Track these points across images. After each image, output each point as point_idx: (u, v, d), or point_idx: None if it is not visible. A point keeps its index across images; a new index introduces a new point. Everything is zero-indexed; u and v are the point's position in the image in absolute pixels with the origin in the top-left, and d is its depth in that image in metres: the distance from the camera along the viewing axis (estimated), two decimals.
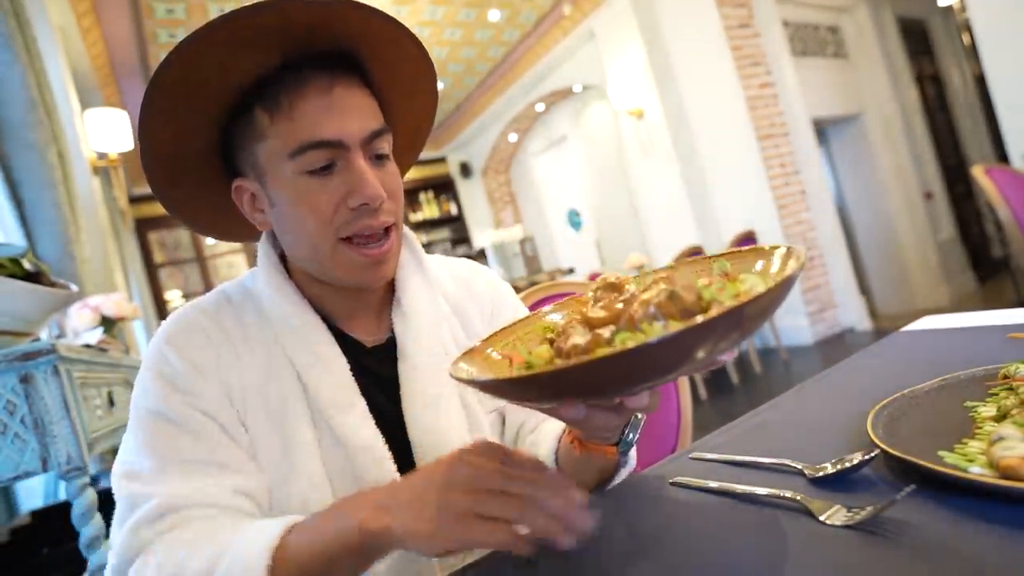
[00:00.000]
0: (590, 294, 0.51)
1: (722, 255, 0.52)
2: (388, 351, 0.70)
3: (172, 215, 0.68)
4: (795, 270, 0.39)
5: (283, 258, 0.71)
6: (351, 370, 0.65)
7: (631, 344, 0.34)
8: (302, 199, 0.60)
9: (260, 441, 0.61)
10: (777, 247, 0.47)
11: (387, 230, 0.63)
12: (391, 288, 0.73)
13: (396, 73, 0.67)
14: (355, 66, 0.64)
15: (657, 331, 0.38)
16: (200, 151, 0.64)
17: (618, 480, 0.65)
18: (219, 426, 0.59)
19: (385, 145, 0.64)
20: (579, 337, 0.42)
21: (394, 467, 0.62)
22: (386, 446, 0.63)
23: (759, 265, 0.47)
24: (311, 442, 0.62)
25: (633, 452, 0.65)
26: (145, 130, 0.58)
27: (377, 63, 0.65)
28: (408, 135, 0.76)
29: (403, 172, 0.77)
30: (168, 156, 0.62)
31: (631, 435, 0.59)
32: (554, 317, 0.58)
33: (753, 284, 0.42)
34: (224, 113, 0.62)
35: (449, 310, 0.76)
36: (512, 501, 0.41)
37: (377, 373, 0.68)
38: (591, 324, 0.45)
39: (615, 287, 0.50)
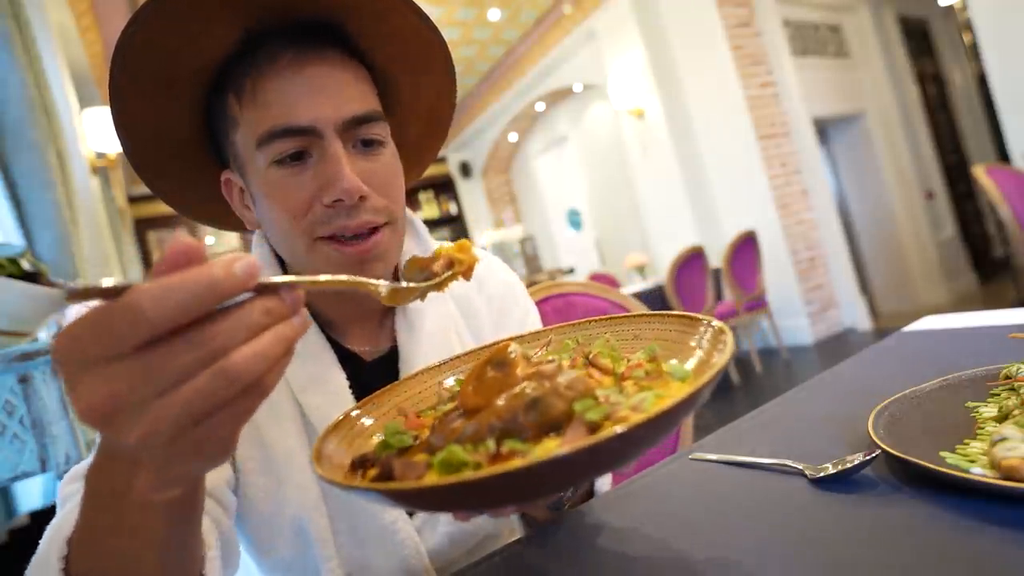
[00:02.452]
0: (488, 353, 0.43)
1: (657, 315, 0.47)
2: (390, 363, 0.64)
3: (167, 204, 0.63)
4: (693, 390, 0.29)
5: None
6: (350, 387, 0.60)
7: (422, 483, 0.29)
8: (272, 193, 0.53)
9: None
10: (710, 322, 0.40)
11: (373, 230, 0.55)
12: None
13: (399, 48, 0.58)
14: (342, 39, 0.56)
15: (483, 454, 0.33)
16: (185, 138, 0.58)
17: (596, 494, 0.62)
18: None
19: (378, 131, 0.56)
20: (417, 458, 0.35)
21: None
22: None
23: (694, 341, 0.41)
24: (305, 461, 0.58)
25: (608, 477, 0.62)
26: (118, 112, 0.52)
27: (368, 36, 0.57)
28: (423, 121, 0.68)
29: (425, 165, 0.72)
30: (149, 143, 0.56)
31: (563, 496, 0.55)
32: (449, 382, 0.52)
33: (641, 402, 0.33)
34: (202, 96, 0.56)
35: (456, 311, 0.70)
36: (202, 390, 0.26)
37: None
38: (466, 407, 0.39)
39: (503, 365, 0.40)
